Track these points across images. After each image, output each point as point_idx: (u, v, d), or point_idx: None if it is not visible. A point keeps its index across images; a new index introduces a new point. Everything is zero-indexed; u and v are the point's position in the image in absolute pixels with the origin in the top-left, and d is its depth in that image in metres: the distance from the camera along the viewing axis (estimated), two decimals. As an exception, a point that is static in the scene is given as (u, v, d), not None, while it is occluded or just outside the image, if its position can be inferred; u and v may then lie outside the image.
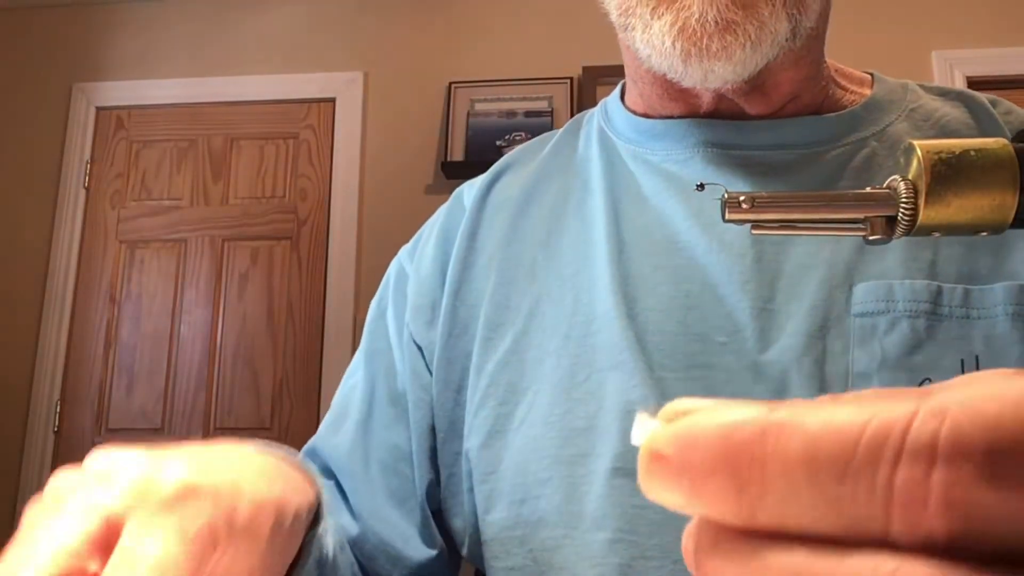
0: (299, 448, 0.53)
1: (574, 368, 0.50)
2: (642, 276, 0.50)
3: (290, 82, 2.65)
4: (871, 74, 0.57)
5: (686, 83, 0.50)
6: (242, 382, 2.47)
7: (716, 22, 0.45)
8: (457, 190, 0.63)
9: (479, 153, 2.43)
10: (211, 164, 2.64)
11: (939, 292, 0.45)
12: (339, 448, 0.55)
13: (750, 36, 0.45)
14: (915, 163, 0.37)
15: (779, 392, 0.45)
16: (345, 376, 0.61)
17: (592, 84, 2.45)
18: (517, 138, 2.45)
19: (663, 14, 0.46)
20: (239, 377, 2.47)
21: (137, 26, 2.76)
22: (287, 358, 2.47)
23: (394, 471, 0.54)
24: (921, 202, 0.36)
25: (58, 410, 2.49)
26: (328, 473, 0.55)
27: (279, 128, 2.64)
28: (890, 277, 0.46)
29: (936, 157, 0.36)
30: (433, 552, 0.53)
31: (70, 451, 2.46)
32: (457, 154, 2.48)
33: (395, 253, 0.63)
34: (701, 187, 0.40)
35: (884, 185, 0.39)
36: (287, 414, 2.43)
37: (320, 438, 0.57)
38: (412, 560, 0.52)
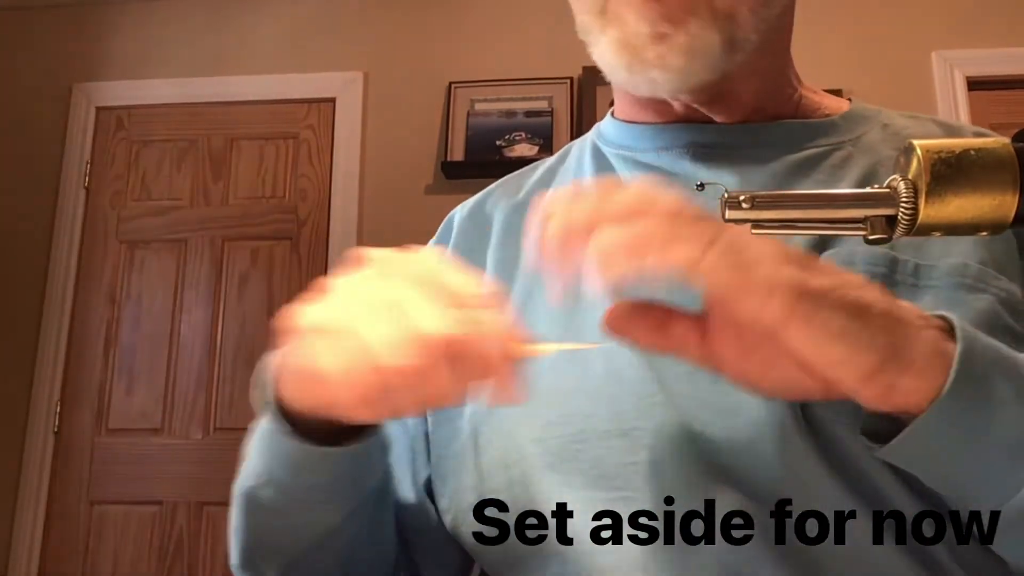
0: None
1: (562, 341, 0.52)
2: None
3: (290, 82, 2.64)
4: (849, 99, 0.62)
5: (639, 92, 0.56)
6: (242, 382, 2.46)
7: (649, 35, 0.51)
8: (448, 216, 0.67)
9: (479, 153, 2.43)
10: (211, 164, 2.64)
11: (895, 261, 0.49)
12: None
13: (682, 47, 0.51)
14: (915, 162, 0.37)
15: None
16: None
17: (592, 84, 2.45)
18: (517, 138, 2.45)
19: (607, 30, 0.53)
20: (239, 377, 2.47)
21: (137, 26, 2.75)
22: (287, 358, 2.46)
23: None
24: (921, 201, 0.36)
25: (58, 411, 2.48)
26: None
27: (279, 128, 2.64)
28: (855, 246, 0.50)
29: (936, 157, 0.36)
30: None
31: (70, 452, 2.46)
32: (457, 154, 2.47)
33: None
34: (701, 187, 0.40)
35: (884, 185, 0.39)
36: (287, 414, 2.42)
37: None
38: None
